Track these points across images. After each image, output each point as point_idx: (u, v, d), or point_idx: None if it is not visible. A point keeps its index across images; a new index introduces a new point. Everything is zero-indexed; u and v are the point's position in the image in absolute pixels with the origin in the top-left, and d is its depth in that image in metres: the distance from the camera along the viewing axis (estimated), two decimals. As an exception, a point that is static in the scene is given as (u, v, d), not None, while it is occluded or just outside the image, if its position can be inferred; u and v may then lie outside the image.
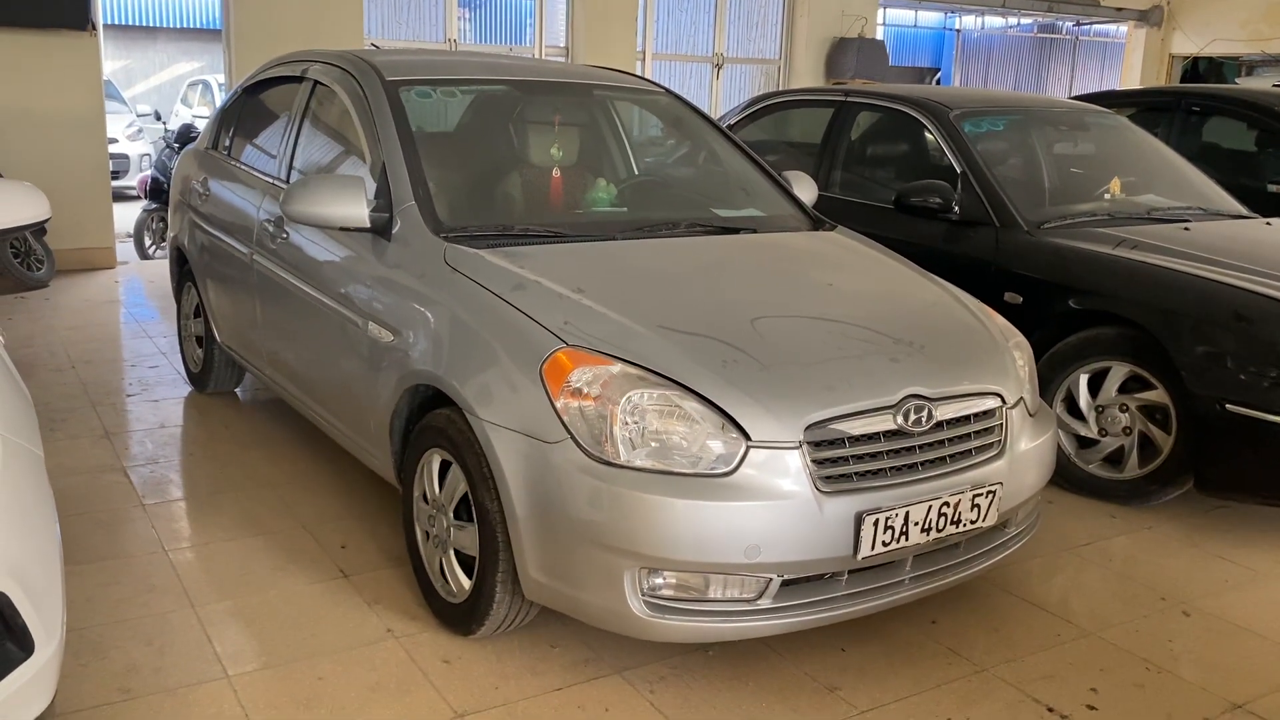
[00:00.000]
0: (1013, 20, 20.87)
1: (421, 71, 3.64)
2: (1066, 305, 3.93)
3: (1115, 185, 4.63)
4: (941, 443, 2.61)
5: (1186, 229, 4.22)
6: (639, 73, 4.24)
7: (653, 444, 2.37)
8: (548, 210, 3.44)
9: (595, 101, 3.96)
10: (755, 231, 3.44)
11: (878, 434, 2.51)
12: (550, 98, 3.82)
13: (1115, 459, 3.86)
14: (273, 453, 4.11)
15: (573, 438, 2.38)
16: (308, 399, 3.62)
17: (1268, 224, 4.52)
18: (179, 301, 4.98)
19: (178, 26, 20.02)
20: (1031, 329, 4.00)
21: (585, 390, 2.41)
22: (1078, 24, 20.40)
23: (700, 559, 2.34)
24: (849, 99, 5.16)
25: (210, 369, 4.66)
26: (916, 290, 3.18)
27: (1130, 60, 14.12)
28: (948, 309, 3.07)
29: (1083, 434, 3.90)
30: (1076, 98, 6.48)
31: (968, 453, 2.65)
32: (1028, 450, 2.80)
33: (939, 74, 21.94)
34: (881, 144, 5.08)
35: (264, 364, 3.97)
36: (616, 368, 2.43)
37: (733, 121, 5.85)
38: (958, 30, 21.34)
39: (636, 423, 2.38)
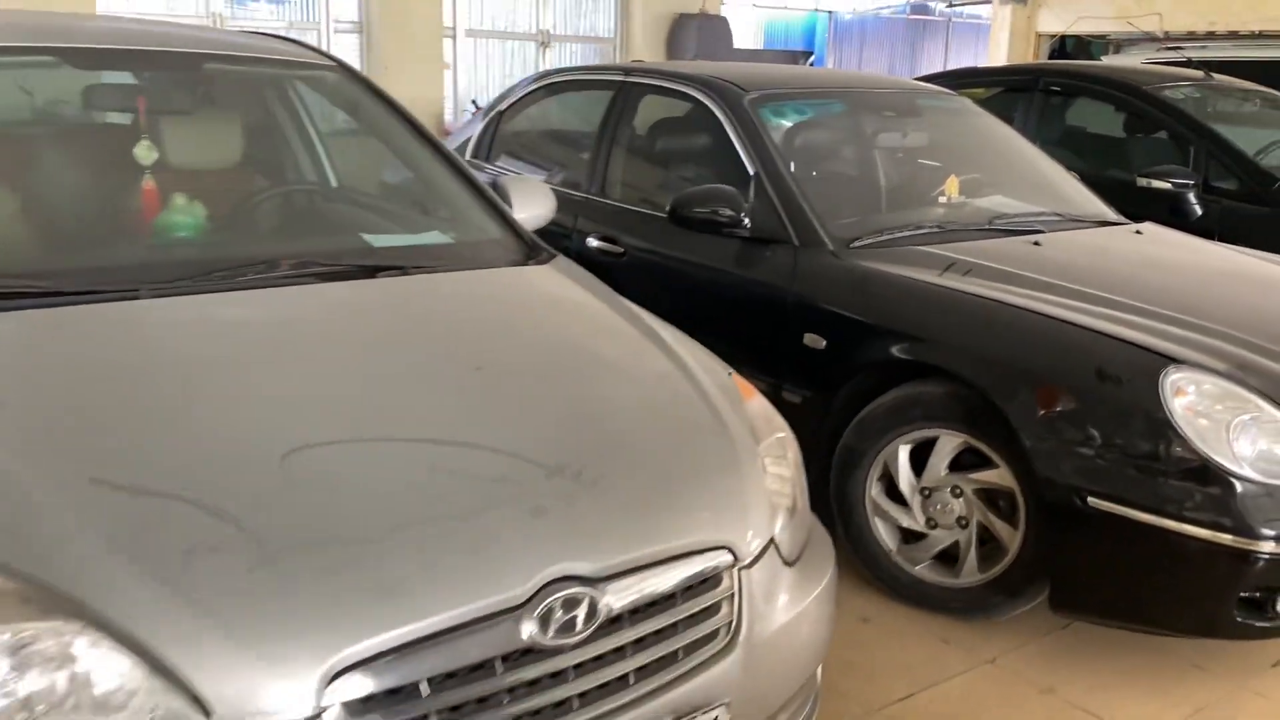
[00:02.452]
0: (884, 2, 20.34)
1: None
2: (882, 352, 2.93)
3: (952, 186, 3.65)
4: (618, 652, 1.53)
5: (1037, 244, 3.26)
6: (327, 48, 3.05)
7: (20, 733, 1.24)
8: (47, 248, 2.21)
9: (215, 79, 2.76)
10: (409, 271, 2.30)
11: (491, 661, 1.42)
12: (134, 73, 2.61)
13: (949, 558, 2.87)
14: None
15: None
16: None
17: (1138, 233, 3.60)
18: None
19: None
20: (838, 383, 3.02)
21: (-101, 626, 1.26)
22: (949, 5, 19.91)
23: None
24: (629, 79, 4.08)
25: None
26: (624, 364, 2.08)
27: (997, 39, 13.43)
28: (666, 396, 1.98)
29: (906, 524, 2.90)
30: (922, 78, 5.56)
31: (669, 659, 1.59)
32: (782, 628, 1.75)
33: (812, 57, 21.34)
34: (667, 136, 4.01)
35: None
36: (-40, 581, 1.29)
37: (505, 106, 4.72)
38: (830, 13, 20.74)
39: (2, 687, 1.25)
